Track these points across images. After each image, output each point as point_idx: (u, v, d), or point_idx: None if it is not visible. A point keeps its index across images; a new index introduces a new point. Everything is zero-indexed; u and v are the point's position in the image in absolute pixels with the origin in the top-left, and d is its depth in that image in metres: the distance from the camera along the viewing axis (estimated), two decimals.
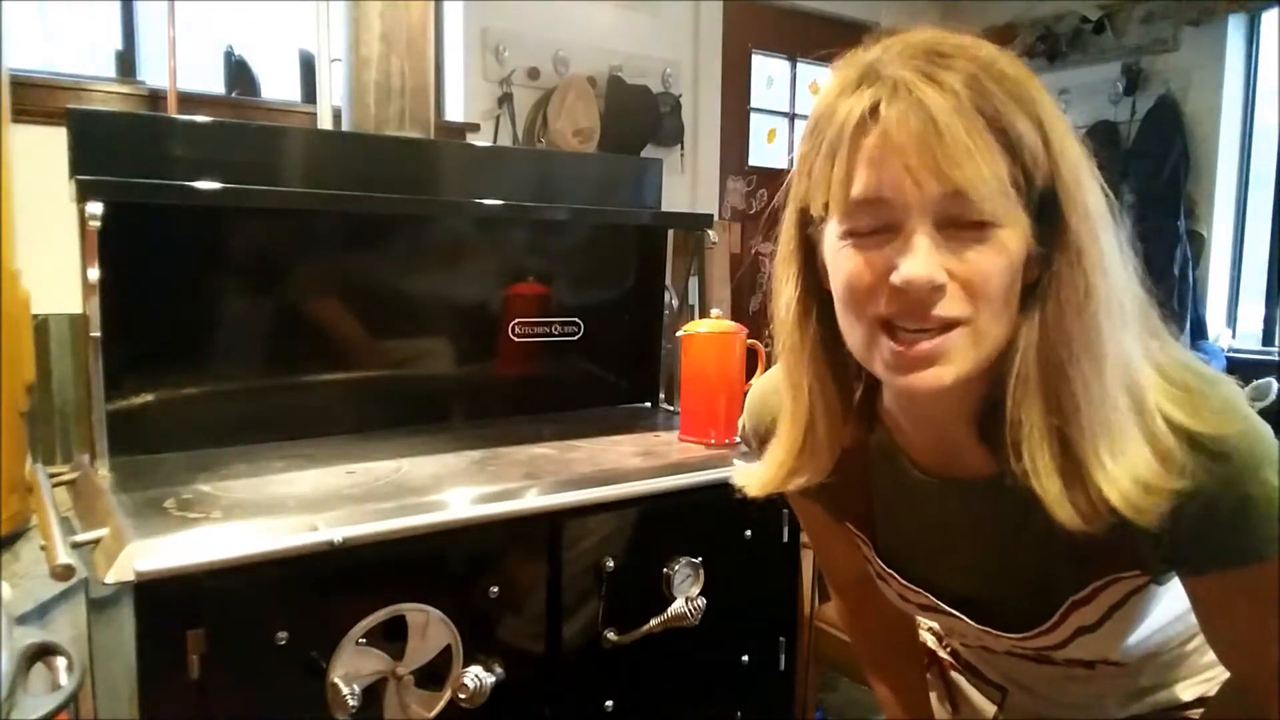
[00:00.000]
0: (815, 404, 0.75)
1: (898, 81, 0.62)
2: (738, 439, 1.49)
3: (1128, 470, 0.63)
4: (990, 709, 0.99)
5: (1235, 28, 3.44)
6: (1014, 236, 0.63)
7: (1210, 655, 0.88)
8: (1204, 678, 0.90)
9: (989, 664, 0.99)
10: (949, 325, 0.64)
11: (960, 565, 0.81)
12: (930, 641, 1.08)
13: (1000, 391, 0.67)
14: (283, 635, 1.00)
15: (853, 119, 0.63)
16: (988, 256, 0.63)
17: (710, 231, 1.75)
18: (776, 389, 0.84)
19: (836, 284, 0.68)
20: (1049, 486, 0.64)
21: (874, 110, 0.62)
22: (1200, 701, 0.89)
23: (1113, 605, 0.75)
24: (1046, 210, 0.64)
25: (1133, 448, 0.64)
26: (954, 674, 1.05)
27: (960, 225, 0.62)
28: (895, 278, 0.63)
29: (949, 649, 1.06)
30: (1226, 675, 0.85)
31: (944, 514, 0.79)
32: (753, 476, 0.82)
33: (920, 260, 0.62)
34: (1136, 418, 0.65)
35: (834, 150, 0.64)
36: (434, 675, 1.10)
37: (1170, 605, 0.83)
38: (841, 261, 0.67)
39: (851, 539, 0.89)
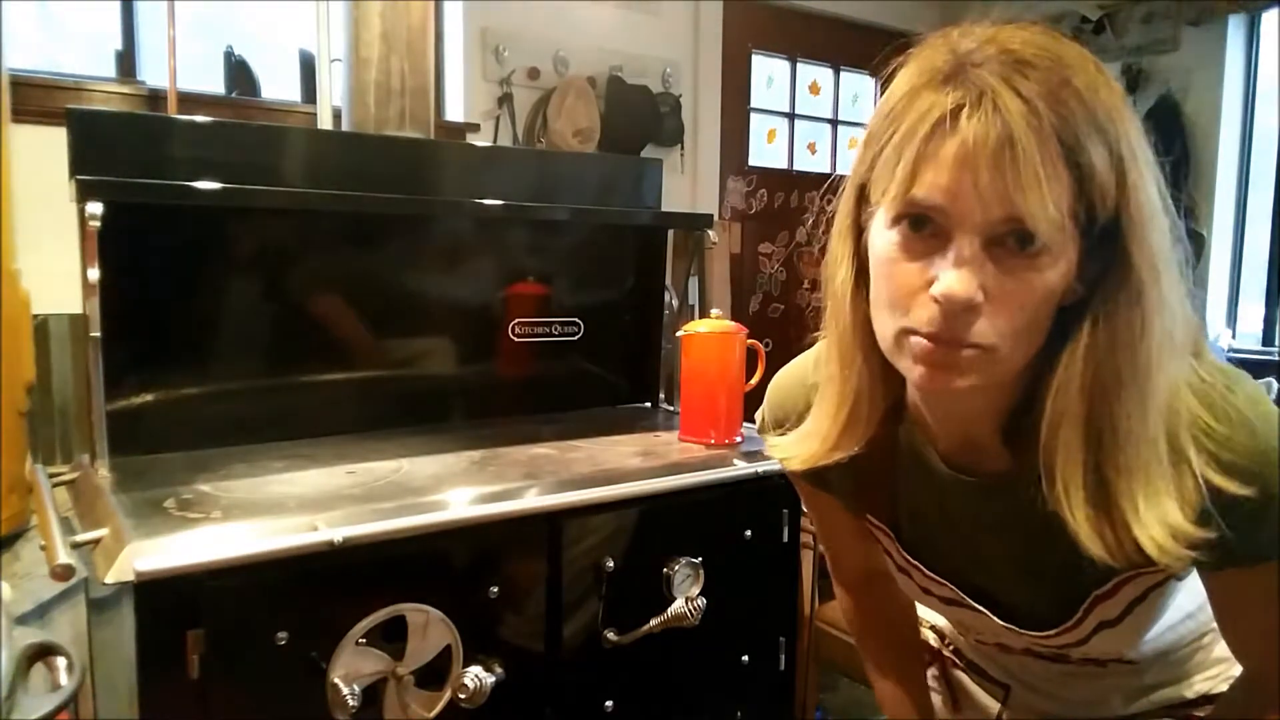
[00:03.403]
0: (863, 379, 0.75)
1: (984, 90, 0.61)
2: (739, 439, 1.49)
3: (1159, 516, 0.63)
4: (994, 707, 0.99)
5: (1235, 28, 3.43)
6: (1059, 269, 0.63)
7: (1216, 653, 0.89)
8: (1208, 675, 0.90)
9: (995, 662, 0.99)
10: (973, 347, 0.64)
11: (985, 560, 0.81)
12: (932, 639, 1.08)
13: (1031, 404, 0.68)
14: (283, 635, 1.00)
15: (930, 118, 0.62)
16: (1028, 284, 0.62)
17: (710, 231, 1.75)
18: (804, 380, 0.85)
19: (876, 274, 0.68)
20: (1080, 518, 0.65)
21: (955, 114, 0.61)
22: (1204, 698, 0.90)
23: (1133, 600, 0.75)
24: (1106, 239, 0.63)
25: (1165, 491, 0.64)
26: (957, 672, 1.05)
27: (1009, 247, 0.62)
28: (935, 289, 0.63)
29: (952, 647, 1.06)
30: (1232, 672, 0.86)
31: (969, 509, 0.79)
32: (793, 449, 0.82)
33: (963, 277, 0.62)
34: (1173, 454, 0.65)
35: (905, 144, 0.63)
36: (434, 675, 1.10)
37: (1182, 604, 0.84)
38: (884, 253, 0.67)
39: (867, 533, 0.89)
